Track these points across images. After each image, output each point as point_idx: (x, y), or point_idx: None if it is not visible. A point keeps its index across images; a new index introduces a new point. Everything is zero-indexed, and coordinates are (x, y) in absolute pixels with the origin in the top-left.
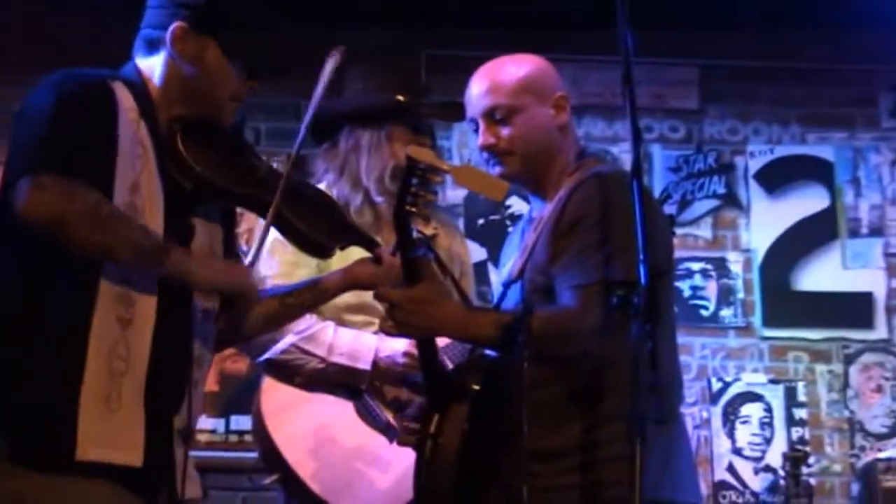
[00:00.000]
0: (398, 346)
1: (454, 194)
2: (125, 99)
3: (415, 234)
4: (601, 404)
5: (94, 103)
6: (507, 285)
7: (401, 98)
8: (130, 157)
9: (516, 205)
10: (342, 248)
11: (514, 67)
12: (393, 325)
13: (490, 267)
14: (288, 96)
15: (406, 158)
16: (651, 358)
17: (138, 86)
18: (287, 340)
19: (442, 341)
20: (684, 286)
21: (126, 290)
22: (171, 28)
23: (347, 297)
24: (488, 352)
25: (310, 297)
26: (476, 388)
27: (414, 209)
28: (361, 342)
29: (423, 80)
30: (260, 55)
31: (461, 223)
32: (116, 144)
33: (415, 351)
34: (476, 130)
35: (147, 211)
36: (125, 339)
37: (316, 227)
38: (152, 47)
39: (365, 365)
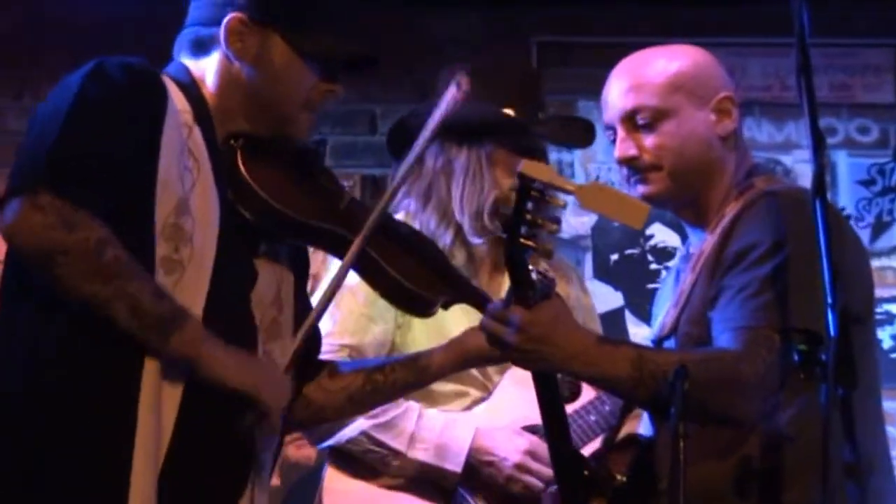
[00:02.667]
0: (502, 446)
1: (579, 221)
2: (177, 97)
3: (535, 277)
4: (781, 494)
5: (129, 97)
6: (657, 342)
7: (511, 112)
8: (178, 169)
9: (659, 234)
10: (445, 307)
11: (664, 61)
12: (508, 355)
13: (628, 316)
14: (359, 102)
15: (518, 177)
16: (847, 431)
17: (190, 87)
18: (357, 426)
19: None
20: (884, 335)
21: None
22: (225, 21)
23: None
24: (640, 433)
25: (405, 376)
26: (622, 479)
27: (531, 243)
28: (453, 435)
29: (541, 88)
30: (341, 50)
31: (589, 259)
32: (158, 151)
33: (526, 456)
34: (614, 141)
35: (197, 238)
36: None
37: (413, 275)
38: (202, 49)
39: (454, 466)
